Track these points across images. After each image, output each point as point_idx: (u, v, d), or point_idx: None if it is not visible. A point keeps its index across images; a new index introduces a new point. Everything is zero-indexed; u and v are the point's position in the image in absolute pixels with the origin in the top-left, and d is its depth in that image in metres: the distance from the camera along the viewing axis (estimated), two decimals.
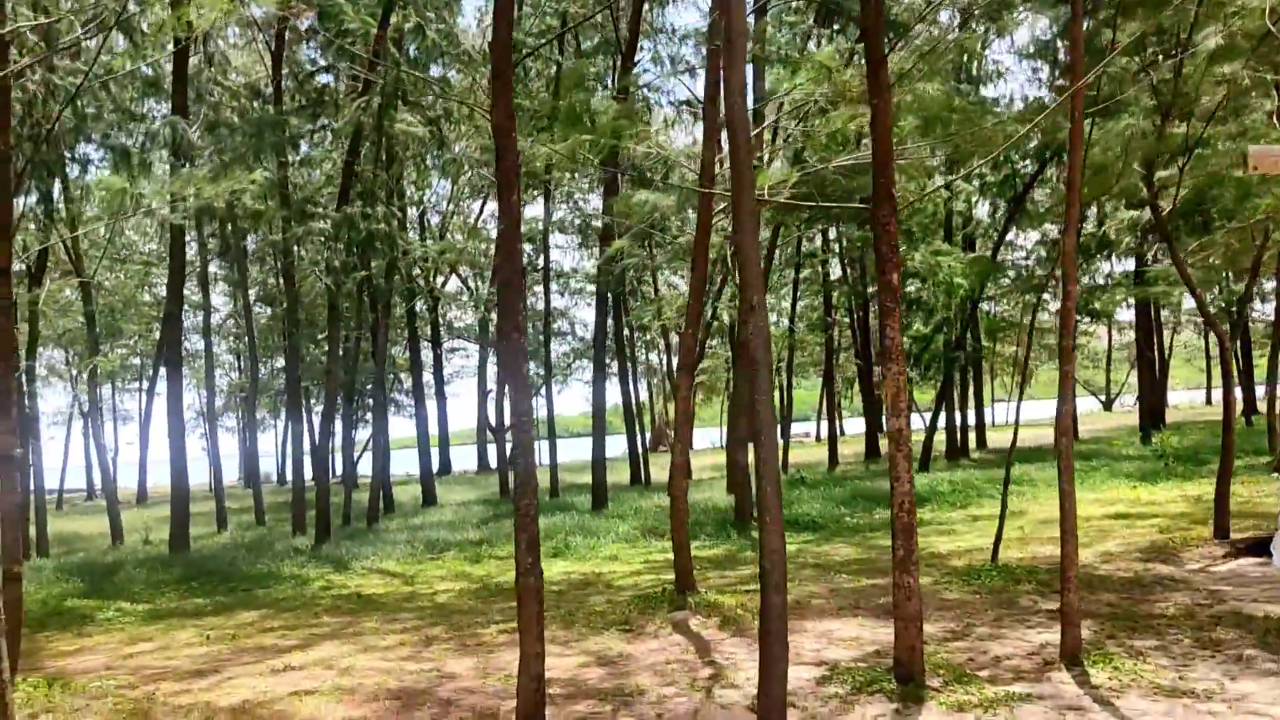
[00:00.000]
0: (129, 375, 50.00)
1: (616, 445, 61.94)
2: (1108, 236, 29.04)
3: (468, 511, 25.34)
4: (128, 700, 8.44)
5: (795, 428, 62.52)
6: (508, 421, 53.08)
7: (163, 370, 38.66)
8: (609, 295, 24.01)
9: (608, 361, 50.80)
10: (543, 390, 54.22)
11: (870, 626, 9.10)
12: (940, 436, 31.31)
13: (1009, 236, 28.63)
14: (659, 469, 34.24)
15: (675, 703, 7.43)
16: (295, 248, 20.60)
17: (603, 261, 21.31)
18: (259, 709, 7.89)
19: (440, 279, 45.81)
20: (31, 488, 24.17)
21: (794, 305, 30.11)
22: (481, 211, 47.82)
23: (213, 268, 39.94)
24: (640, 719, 7.15)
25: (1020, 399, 21.39)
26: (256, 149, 17.87)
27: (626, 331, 29.17)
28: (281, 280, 22.95)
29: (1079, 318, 30.72)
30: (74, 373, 52.79)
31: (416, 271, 29.45)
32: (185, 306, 35.78)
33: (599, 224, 37.65)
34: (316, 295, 28.78)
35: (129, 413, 58.37)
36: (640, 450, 32.56)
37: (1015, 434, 13.26)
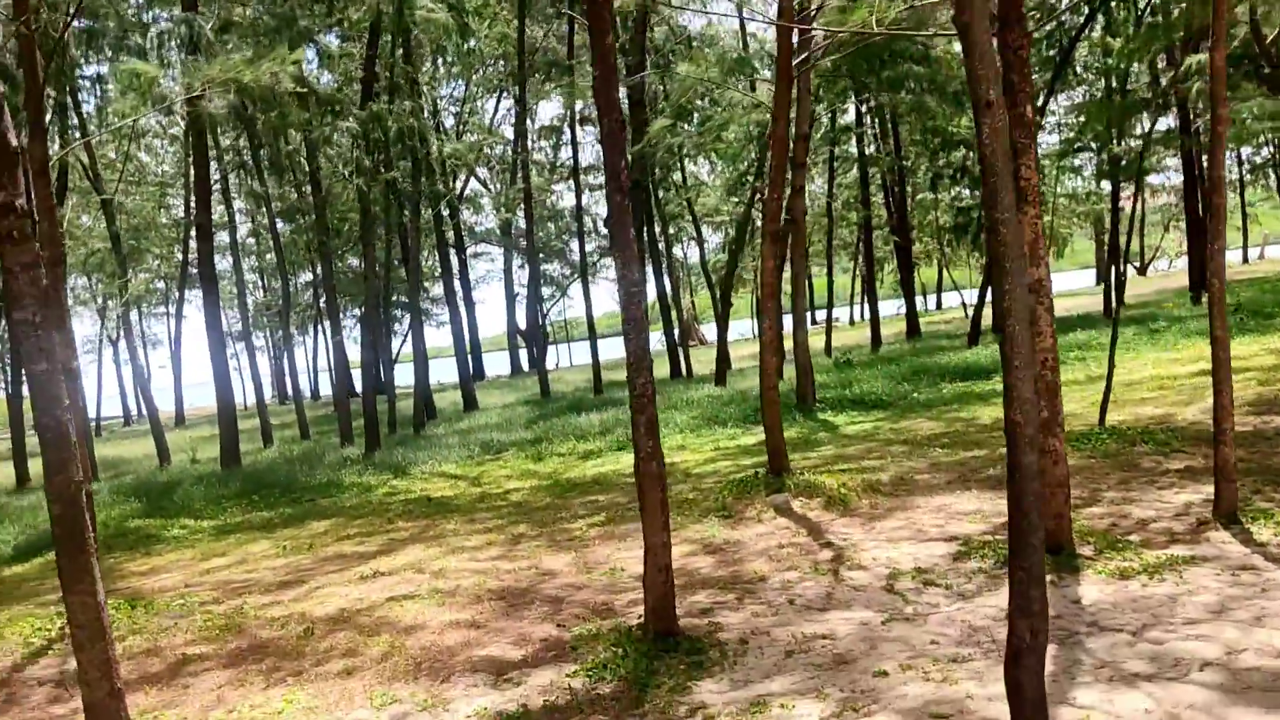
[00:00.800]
0: (154, 299, 49.56)
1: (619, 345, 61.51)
2: (1161, 88, 27.91)
3: (512, 413, 24.92)
4: (216, 616, 8.02)
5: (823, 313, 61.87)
6: (524, 325, 52.71)
7: (189, 291, 38.23)
8: (642, 184, 23.09)
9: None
10: (562, 292, 53.67)
11: (989, 498, 8.54)
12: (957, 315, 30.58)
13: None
14: (697, 363, 33.73)
15: (803, 587, 6.93)
16: (320, 151, 19.72)
17: (635, 149, 20.34)
18: (359, 616, 7.44)
19: (459, 183, 44.94)
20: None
21: (830, 183, 28.96)
22: (496, 109, 46.61)
23: (232, 182, 39.15)
24: (770, 605, 6.64)
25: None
26: (273, 45, 16.94)
27: (659, 225, 28.25)
28: (309, 186, 22.14)
29: (1116, 183, 29.63)
30: (101, 300, 52.57)
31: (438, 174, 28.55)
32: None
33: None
34: (341, 205, 27.96)
35: (158, 337, 58.18)
36: (675, 344, 31.99)
37: (1119, 291, 12.50)
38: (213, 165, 27.05)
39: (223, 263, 50.65)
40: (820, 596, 6.68)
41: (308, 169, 20.88)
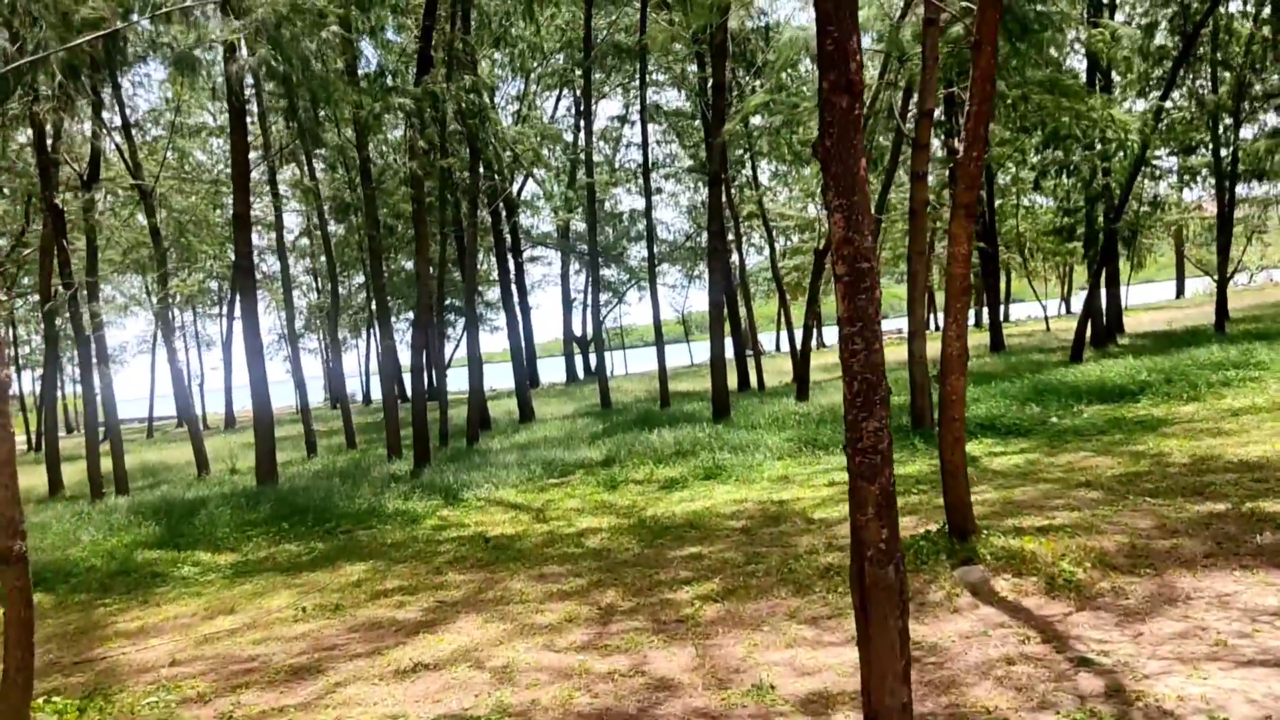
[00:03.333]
0: (208, 300, 47.83)
1: (684, 352, 58.94)
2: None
3: (573, 426, 22.43)
4: None
5: (888, 325, 58.73)
6: (580, 330, 50.23)
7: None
8: (719, 178, 20.43)
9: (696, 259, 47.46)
10: (619, 298, 51.14)
11: None
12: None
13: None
14: (767, 374, 31.04)
15: None
16: (370, 135, 17.32)
17: (729, 127, 17.73)
18: None
19: (516, 184, 42.62)
20: (101, 420, 21.73)
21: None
22: (555, 109, 44.24)
23: (282, 182, 37.12)
24: None
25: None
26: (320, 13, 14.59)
27: (730, 224, 25.64)
28: (359, 179, 19.82)
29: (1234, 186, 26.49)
30: (154, 298, 50.97)
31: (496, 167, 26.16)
32: (256, 223, 33.06)
33: (678, 107, 33.96)
34: (393, 200, 25.61)
35: (211, 338, 56.56)
36: (744, 353, 29.33)
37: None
38: (258, 156, 24.90)
39: (275, 264, 48.96)
40: None
41: (358, 159, 18.50)
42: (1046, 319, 37.44)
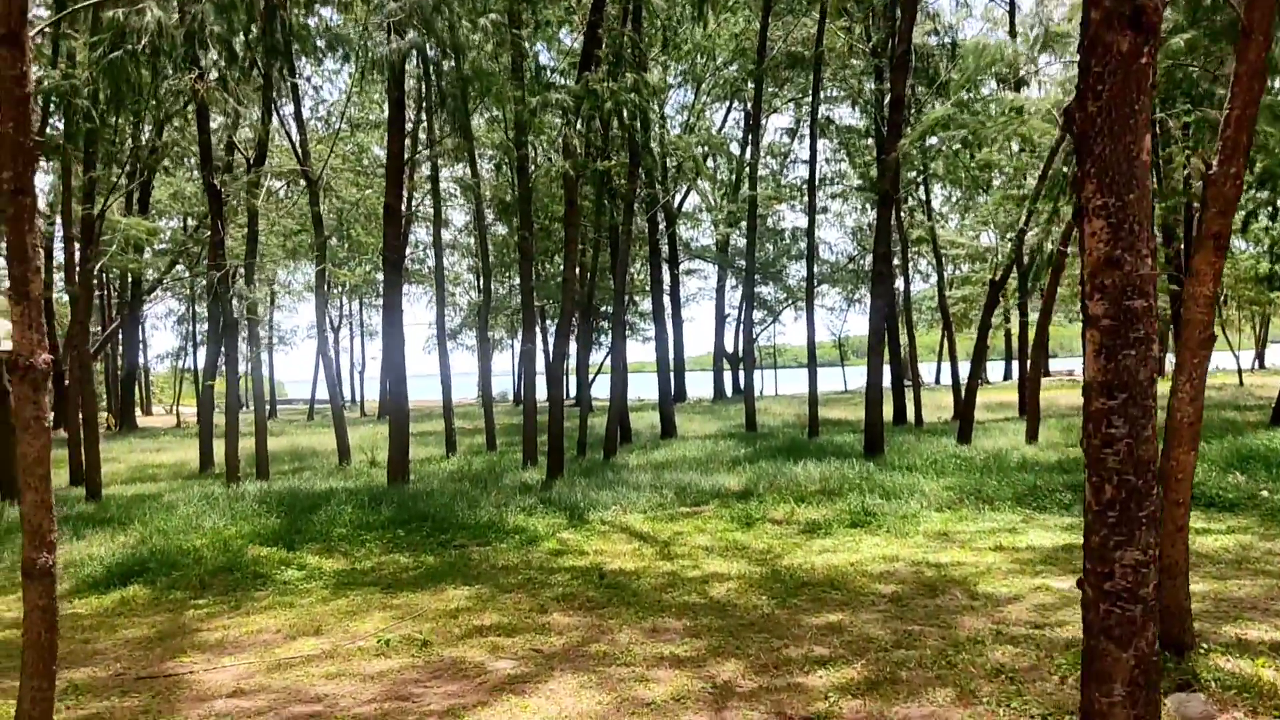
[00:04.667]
0: (372, 291, 48.81)
1: (837, 377, 56.68)
2: None
3: (715, 447, 21.26)
4: None
5: (1057, 365, 55.28)
6: (731, 347, 48.94)
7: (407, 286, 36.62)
8: (889, 197, 18.90)
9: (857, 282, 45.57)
10: (775, 317, 49.64)
11: None
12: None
13: None
14: (926, 409, 29.11)
15: None
16: (530, 130, 16.62)
17: (906, 141, 16.27)
18: None
19: (678, 195, 41.83)
20: (245, 405, 21.81)
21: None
22: (724, 121, 43.24)
23: (449, 179, 37.30)
24: None
25: None
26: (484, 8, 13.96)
27: (897, 248, 24.03)
28: (514, 175, 19.22)
29: None
30: (325, 286, 52.45)
31: (657, 172, 25.28)
32: (417, 215, 33.20)
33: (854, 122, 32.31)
34: (549, 199, 25.04)
35: (375, 327, 57.93)
36: (903, 386, 27.53)
37: None
38: (423, 152, 24.75)
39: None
40: None
41: (514, 153, 17.87)
42: (1240, 372, 34.03)
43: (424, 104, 21.94)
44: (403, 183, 16.14)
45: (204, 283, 46.01)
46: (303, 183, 23.86)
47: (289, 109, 23.75)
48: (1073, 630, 6.49)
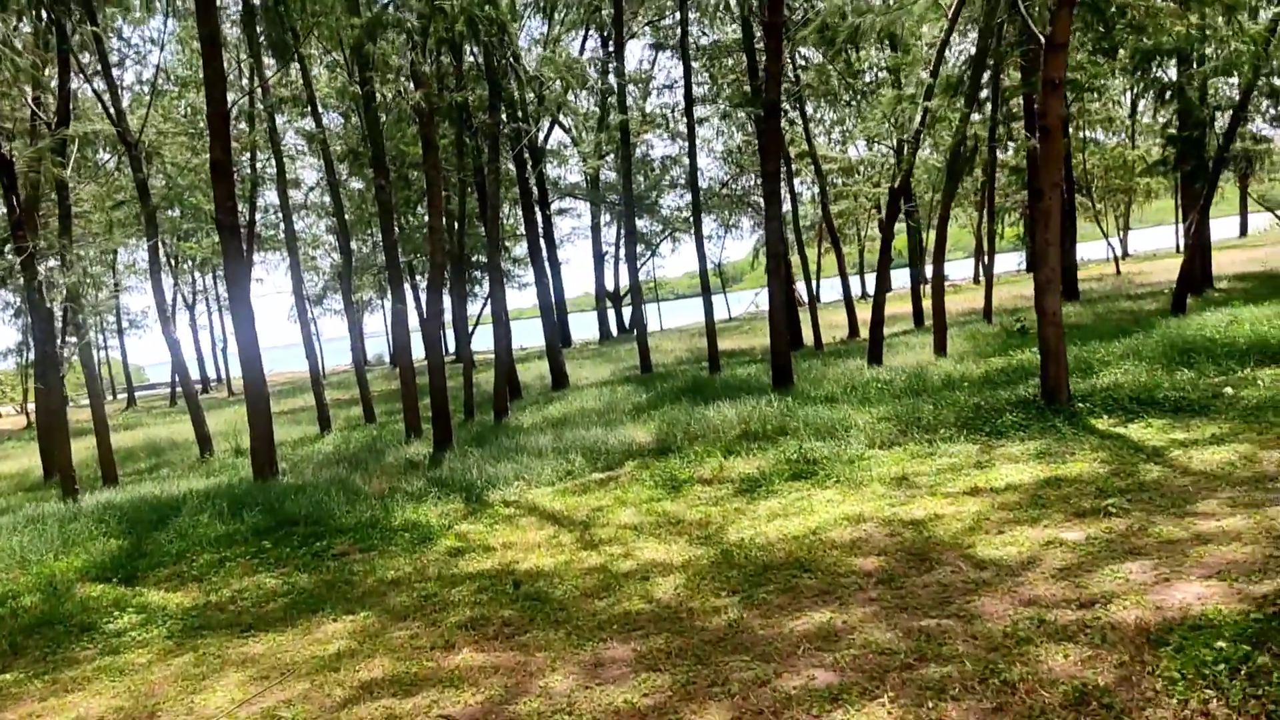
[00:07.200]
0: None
1: (720, 305, 55.49)
2: None
3: (613, 395, 19.55)
4: None
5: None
6: (623, 285, 47.12)
7: (259, 254, 33.40)
8: (776, 108, 17.20)
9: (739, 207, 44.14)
10: (653, 250, 47.89)
11: None
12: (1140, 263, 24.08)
13: None
14: (825, 329, 27.98)
15: None
16: (372, 60, 14.25)
17: (812, 29, 14.47)
18: None
19: (541, 132, 39.53)
20: (71, 400, 19.04)
21: (995, 108, 22.25)
22: (581, 50, 40.90)
23: (289, 137, 34.21)
24: None
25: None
26: None
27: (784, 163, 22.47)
28: (362, 119, 16.83)
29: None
30: (173, 260, 48.37)
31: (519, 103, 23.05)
32: (264, 177, 30.13)
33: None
34: (407, 150, 22.59)
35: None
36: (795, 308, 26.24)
37: None
38: (254, 100, 21.98)
39: (296, 222, 46.18)
40: None
41: (360, 90, 15.49)
42: (1117, 261, 34.01)
43: (250, 44, 19.18)
44: (229, 134, 13.67)
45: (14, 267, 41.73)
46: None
47: (100, 67, 20.60)
48: (1134, 607, 5.00)
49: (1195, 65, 18.85)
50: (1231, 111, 18.40)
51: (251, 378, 14.49)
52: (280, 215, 27.80)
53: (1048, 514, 7.09)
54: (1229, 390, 10.36)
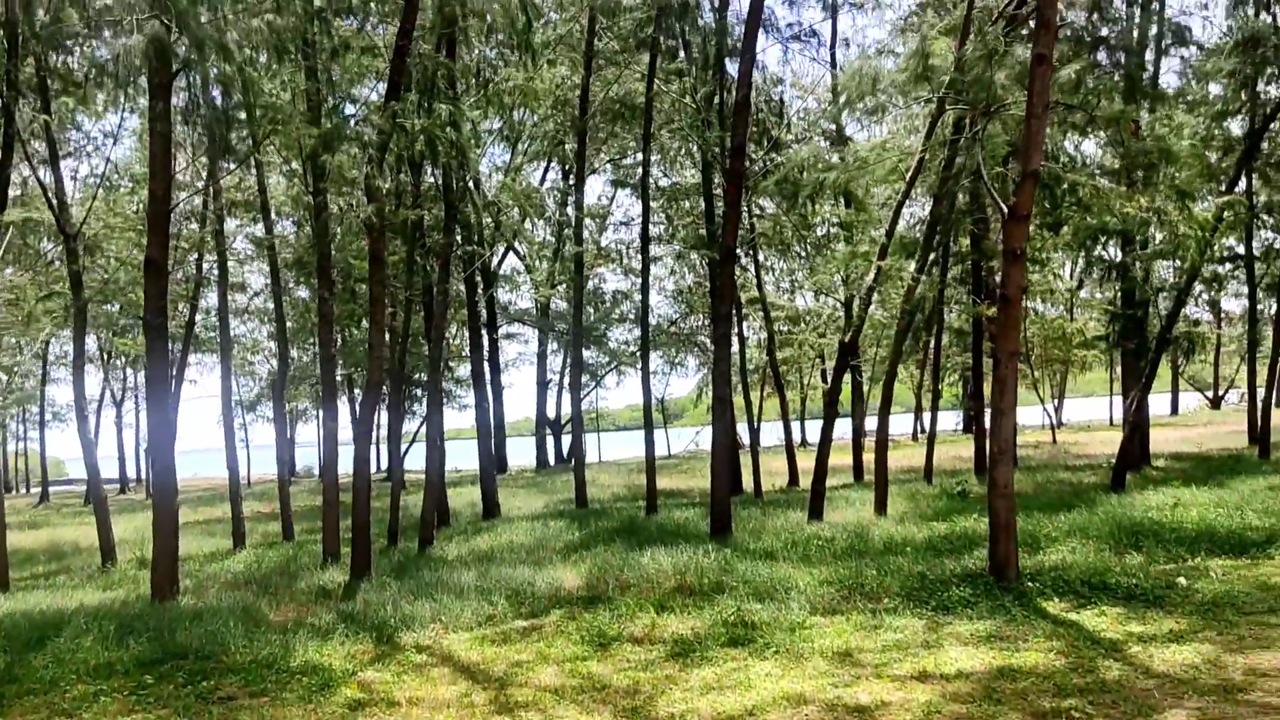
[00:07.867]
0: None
1: (661, 441, 55.17)
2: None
3: (545, 530, 18.75)
4: None
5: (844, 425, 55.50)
6: (565, 414, 46.65)
7: (193, 355, 32.38)
8: (732, 254, 17.15)
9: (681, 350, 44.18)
10: (597, 381, 47.65)
11: None
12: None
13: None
14: (765, 475, 27.48)
15: None
16: (327, 170, 13.94)
17: (776, 179, 14.46)
18: None
19: (495, 257, 39.57)
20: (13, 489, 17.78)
21: (944, 269, 22.21)
22: (543, 180, 41.33)
23: (238, 241, 33.80)
24: None
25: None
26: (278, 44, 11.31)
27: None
28: (311, 228, 16.44)
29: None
30: (106, 355, 46.93)
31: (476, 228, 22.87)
32: (209, 280, 29.42)
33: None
34: (359, 260, 22.20)
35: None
36: (737, 450, 25.86)
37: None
38: (204, 200, 21.53)
39: (237, 326, 45.23)
40: None
41: (312, 200, 15.12)
42: (1053, 429, 34.33)
43: (211, 144, 18.83)
44: (167, 232, 13.14)
45: None
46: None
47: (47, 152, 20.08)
48: None
49: (1140, 246, 19.32)
50: (1176, 294, 18.76)
51: (161, 487, 13.57)
52: (232, 319, 27.03)
53: (1004, 712, 6.52)
54: (1182, 581, 9.99)
